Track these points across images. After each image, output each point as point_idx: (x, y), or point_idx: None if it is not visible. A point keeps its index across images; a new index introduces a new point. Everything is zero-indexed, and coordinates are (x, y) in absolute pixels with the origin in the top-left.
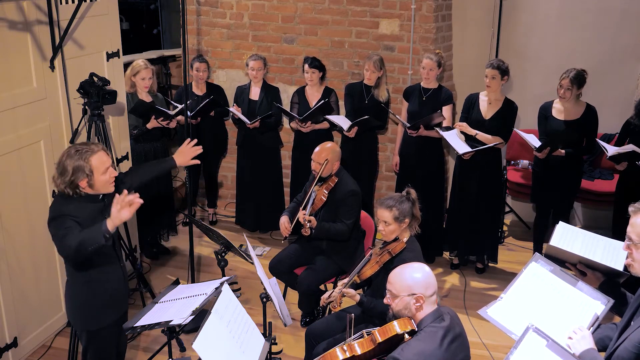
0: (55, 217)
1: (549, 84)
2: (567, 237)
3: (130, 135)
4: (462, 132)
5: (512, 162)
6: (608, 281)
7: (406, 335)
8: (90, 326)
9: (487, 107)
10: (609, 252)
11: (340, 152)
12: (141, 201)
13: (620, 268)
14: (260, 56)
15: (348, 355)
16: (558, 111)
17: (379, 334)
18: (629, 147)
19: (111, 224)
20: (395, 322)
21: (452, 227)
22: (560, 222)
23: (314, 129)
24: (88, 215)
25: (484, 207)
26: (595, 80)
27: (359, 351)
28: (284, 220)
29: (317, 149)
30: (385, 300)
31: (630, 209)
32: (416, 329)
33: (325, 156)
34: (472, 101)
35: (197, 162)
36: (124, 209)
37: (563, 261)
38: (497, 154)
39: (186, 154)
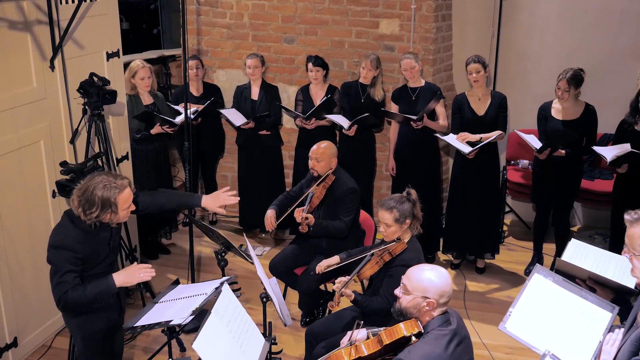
0: (57, 247)
1: (549, 84)
2: (578, 253)
3: (134, 138)
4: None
5: (512, 162)
6: (618, 298)
7: (413, 337)
8: (85, 334)
9: (478, 104)
10: (621, 270)
11: (337, 150)
12: (154, 274)
13: (632, 285)
14: (258, 55)
15: (354, 356)
16: (557, 111)
17: (386, 336)
18: (625, 149)
19: (121, 281)
20: (402, 324)
21: (452, 228)
22: (573, 239)
23: (319, 124)
24: (94, 246)
25: (484, 206)
26: (595, 80)
27: (365, 352)
28: (270, 214)
29: (314, 147)
30: (396, 291)
31: (627, 217)
32: (422, 331)
33: (324, 157)
34: (460, 102)
35: (223, 211)
36: (145, 274)
37: (573, 277)
38: (494, 151)
39: (218, 199)
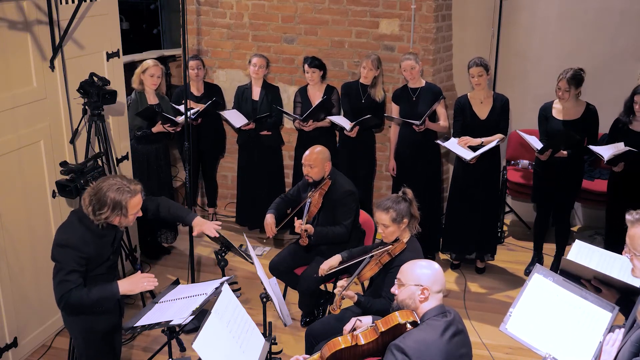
0: (63, 246)
1: (549, 84)
2: (583, 254)
3: (134, 135)
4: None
5: (512, 162)
6: (623, 298)
7: (408, 326)
8: (84, 334)
9: (480, 107)
10: (625, 271)
11: (330, 154)
12: (157, 284)
13: (638, 285)
14: (264, 56)
15: (351, 343)
16: (558, 111)
17: (381, 323)
18: (621, 147)
19: (125, 289)
20: (397, 312)
21: (452, 228)
22: (577, 240)
23: (317, 126)
24: (99, 247)
25: (485, 207)
26: (595, 80)
27: (362, 341)
28: (270, 221)
29: (306, 153)
30: (392, 289)
31: (628, 217)
32: (418, 321)
33: (317, 162)
34: (463, 105)
35: (196, 235)
36: (148, 283)
37: (578, 277)
38: (497, 152)
39: (205, 226)
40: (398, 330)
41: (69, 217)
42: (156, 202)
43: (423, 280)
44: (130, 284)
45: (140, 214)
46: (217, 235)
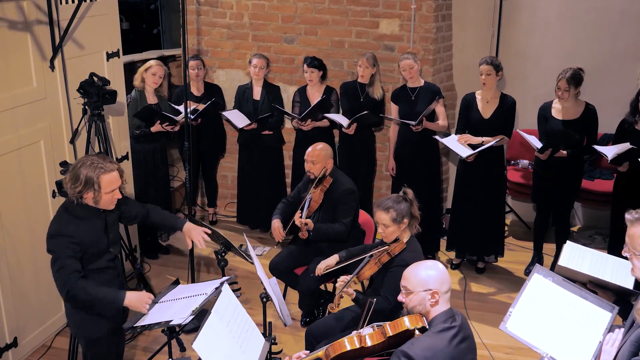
0: (54, 236)
1: (549, 84)
2: (575, 256)
3: (133, 134)
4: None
5: (512, 162)
6: (619, 300)
7: (417, 332)
8: (89, 333)
9: (485, 106)
10: (618, 272)
11: (332, 152)
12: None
13: (631, 286)
14: (264, 56)
15: (357, 345)
16: (557, 111)
17: (390, 328)
18: (626, 146)
19: (130, 301)
20: (405, 317)
21: (455, 228)
22: (568, 242)
23: (315, 126)
24: (89, 231)
25: (489, 207)
26: (595, 80)
27: (369, 343)
28: (277, 225)
29: (309, 149)
30: (399, 297)
31: (627, 216)
32: (427, 327)
33: (319, 159)
34: (469, 102)
35: (189, 245)
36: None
37: (573, 281)
38: (500, 152)
39: (196, 232)
40: (406, 334)
41: (57, 210)
42: (146, 208)
43: (431, 284)
44: (137, 301)
45: (118, 195)
46: (204, 247)
